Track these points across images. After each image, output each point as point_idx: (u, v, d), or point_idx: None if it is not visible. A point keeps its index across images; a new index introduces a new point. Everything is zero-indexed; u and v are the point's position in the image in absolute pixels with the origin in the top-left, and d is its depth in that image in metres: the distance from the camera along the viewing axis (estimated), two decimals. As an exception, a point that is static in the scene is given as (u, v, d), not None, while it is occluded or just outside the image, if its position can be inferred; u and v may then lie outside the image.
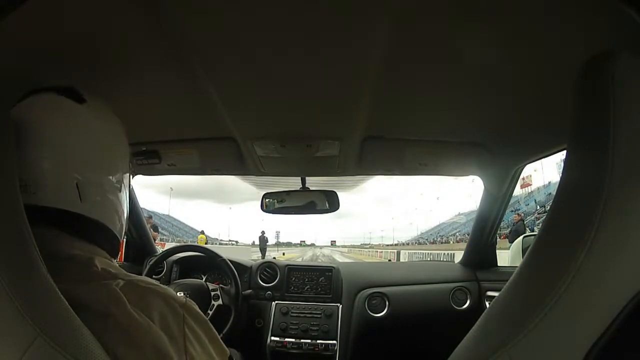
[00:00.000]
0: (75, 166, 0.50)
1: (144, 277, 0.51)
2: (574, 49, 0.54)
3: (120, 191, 0.56)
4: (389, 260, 19.68)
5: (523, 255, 0.51)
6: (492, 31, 0.58)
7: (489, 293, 1.42)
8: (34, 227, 0.42)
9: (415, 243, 62.22)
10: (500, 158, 1.15)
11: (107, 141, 0.54)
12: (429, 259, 12.31)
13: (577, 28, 0.55)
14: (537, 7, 0.52)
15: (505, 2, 0.51)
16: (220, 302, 1.25)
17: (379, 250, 49.54)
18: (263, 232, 23.92)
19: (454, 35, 0.59)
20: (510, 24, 0.56)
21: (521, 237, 1.72)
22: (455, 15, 0.54)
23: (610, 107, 0.35)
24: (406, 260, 16.70)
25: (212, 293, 1.26)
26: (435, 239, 56.73)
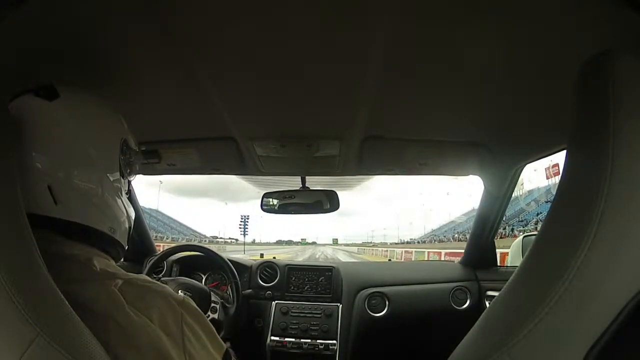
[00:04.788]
0: (45, 168, 0.47)
1: (142, 276, 0.51)
2: (574, 49, 0.54)
3: (107, 189, 0.53)
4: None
5: (523, 255, 0.51)
6: (492, 31, 0.58)
7: (489, 293, 1.42)
8: (35, 229, 0.42)
9: (436, 241, 56.44)
10: (500, 158, 1.15)
11: (81, 138, 0.50)
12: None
13: (577, 28, 0.55)
14: (537, 7, 0.52)
15: (505, 2, 0.51)
16: (215, 316, 1.21)
17: (425, 250, 30.51)
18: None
19: (453, 36, 0.59)
20: (510, 24, 0.56)
21: (521, 237, 1.72)
22: (455, 15, 0.54)
23: (610, 107, 0.35)
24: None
25: (212, 305, 1.21)
26: (454, 235, 51.67)
